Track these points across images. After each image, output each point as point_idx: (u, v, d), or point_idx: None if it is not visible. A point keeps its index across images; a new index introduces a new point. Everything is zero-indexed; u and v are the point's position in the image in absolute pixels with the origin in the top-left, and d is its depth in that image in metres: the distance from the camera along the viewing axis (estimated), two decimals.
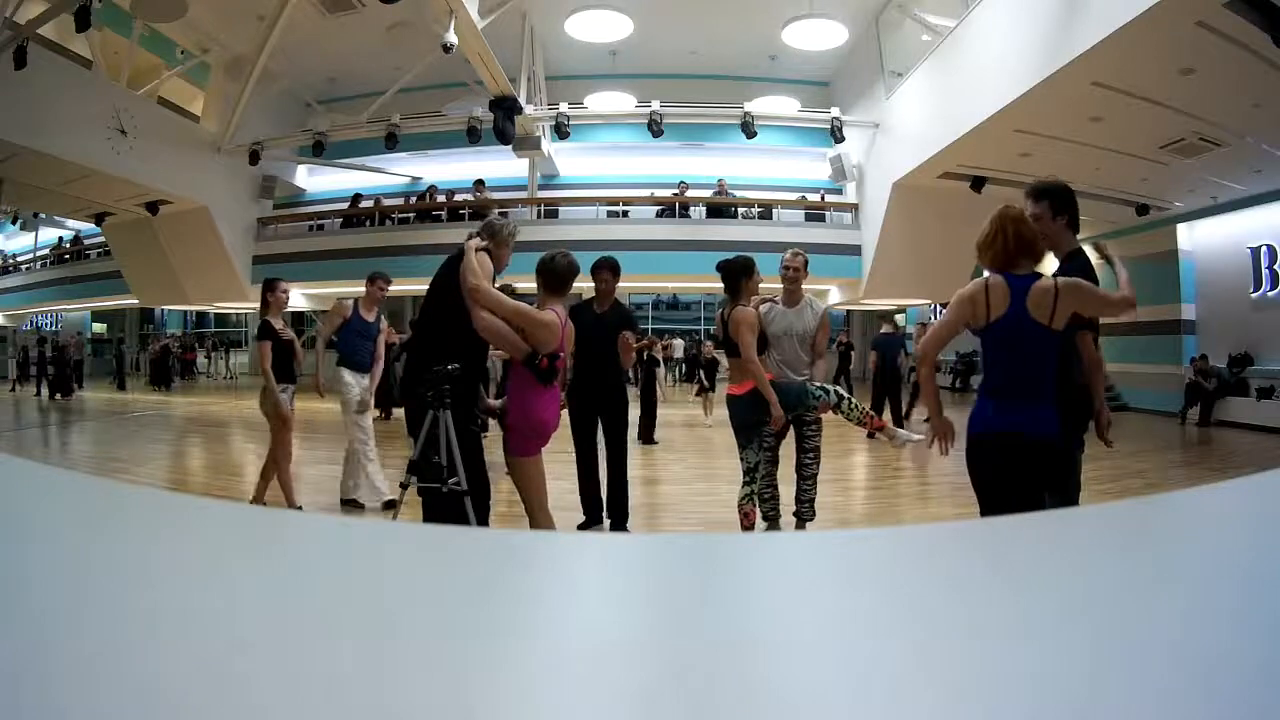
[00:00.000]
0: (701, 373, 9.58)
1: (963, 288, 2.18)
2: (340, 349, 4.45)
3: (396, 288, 5.11)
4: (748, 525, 3.35)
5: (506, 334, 2.71)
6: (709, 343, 11.20)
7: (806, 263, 3.62)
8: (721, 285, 3.53)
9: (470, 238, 2.85)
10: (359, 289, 4.70)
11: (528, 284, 3.29)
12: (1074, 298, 2.09)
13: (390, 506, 4.20)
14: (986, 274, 2.19)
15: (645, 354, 7.52)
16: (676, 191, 12.39)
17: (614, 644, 0.45)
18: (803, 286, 3.58)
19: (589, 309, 3.90)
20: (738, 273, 3.44)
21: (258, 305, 4.32)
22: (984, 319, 2.12)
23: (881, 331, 8.69)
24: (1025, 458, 2.11)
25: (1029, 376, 2.13)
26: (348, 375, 4.38)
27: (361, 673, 0.39)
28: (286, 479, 4.13)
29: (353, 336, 4.41)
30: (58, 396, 12.70)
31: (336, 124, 12.02)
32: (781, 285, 3.60)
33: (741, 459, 3.42)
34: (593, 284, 3.88)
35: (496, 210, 12.25)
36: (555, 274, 2.91)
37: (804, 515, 3.58)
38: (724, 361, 8.06)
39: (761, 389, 3.27)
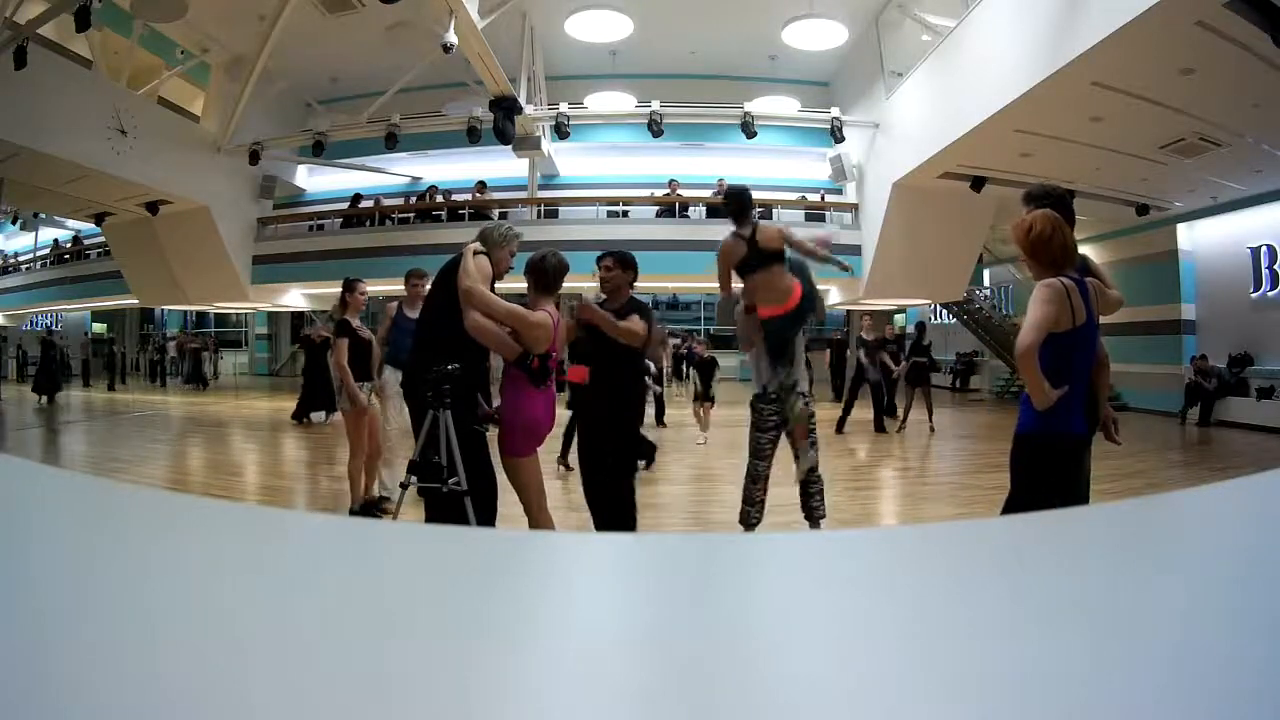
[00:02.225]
0: (697, 376, 7.73)
1: (1041, 289, 2.09)
2: (389, 347, 4.55)
3: (395, 288, 5.11)
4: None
5: (497, 335, 2.72)
6: (702, 341, 11.03)
7: None
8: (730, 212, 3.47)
9: (471, 242, 2.88)
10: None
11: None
12: (1102, 299, 2.23)
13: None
14: (1050, 277, 2.12)
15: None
16: (667, 191, 12.36)
17: (614, 644, 0.45)
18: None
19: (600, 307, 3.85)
20: (744, 197, 3.44)
21: (336, 303, 4.42)
22: (1070, 323, 2.09)
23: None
24: (1086, 455, 2.25)
25: (1087, 376, 2.21)
26: (389, 372, 4.44)
27: (362, 672, 0.39)
28: (361, 473, 4.18)
29: (399, 334, 4.48)
30: (43, 399, 11.81)
31: (336, 124, 11.99)
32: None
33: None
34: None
35: (497, 213, 12.28)
36: (545, 273, 2.91)
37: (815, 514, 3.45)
38: (721, 362, 8.01)
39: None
